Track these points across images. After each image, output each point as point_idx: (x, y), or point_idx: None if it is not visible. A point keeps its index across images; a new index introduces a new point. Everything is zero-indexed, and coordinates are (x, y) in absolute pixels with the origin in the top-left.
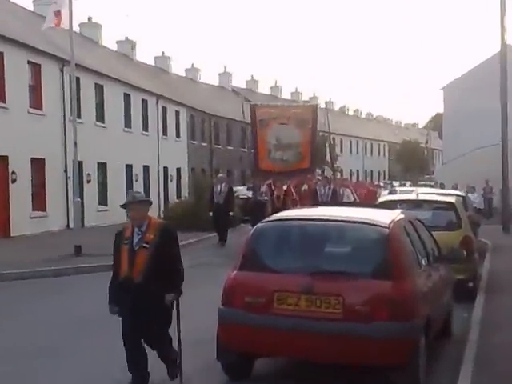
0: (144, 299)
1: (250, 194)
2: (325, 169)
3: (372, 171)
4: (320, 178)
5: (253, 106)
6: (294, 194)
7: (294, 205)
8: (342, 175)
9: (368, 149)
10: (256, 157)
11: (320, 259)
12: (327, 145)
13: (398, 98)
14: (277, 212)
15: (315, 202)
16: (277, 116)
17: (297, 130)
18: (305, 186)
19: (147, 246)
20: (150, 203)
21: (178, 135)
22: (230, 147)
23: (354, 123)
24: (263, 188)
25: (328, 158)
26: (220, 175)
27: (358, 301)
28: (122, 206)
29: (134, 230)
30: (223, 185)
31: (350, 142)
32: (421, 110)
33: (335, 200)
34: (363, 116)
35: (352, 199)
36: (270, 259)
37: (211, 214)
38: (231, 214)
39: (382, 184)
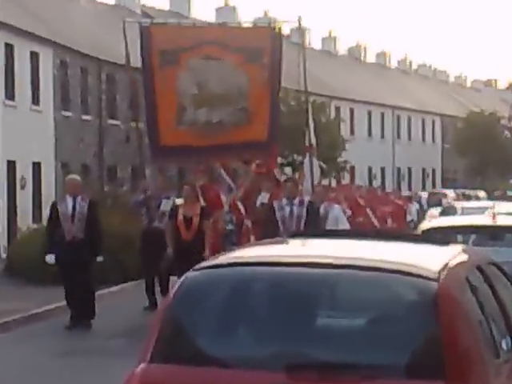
0: None
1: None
2: (306, 160)
3: (410, 170)
4: (282, 178)
5: (146, 28)
6: (242, 208)
7: (243, 235)
8: (351, 179)
9: (403, 127)
10: (152, 125)
11: (306, 340)
12: (309, 111)
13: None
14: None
15: (270, 229)
16: (197, 44)
17: (240, 70)
18: (262, 196)
19: None
20: None
21: (35, 100)
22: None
23: (381, 78)
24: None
25: (309, 138)
26: (70, 177)
27: None
28: None
29: None
30: (78, 198)
31: (369, 114)
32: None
33: (315, 225)
34: (410, 67)
35: (347, 225)
36: (210, 341)
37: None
38: (98, 258)
39: (422, 194)
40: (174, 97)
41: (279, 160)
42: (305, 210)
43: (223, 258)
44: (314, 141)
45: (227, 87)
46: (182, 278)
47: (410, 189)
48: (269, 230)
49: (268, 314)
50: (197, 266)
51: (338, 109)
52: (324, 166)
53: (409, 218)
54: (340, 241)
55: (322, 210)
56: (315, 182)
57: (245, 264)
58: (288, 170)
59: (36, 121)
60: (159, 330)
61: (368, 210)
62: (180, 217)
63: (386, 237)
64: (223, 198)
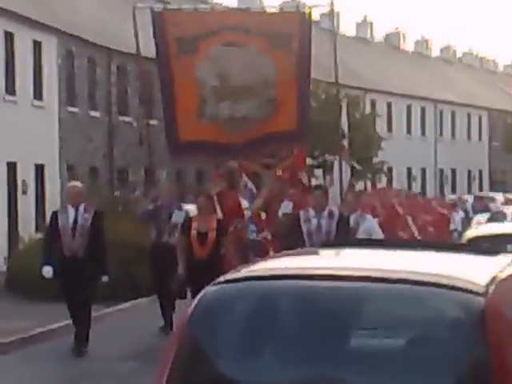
0: None
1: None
2: (335, 163)
3: (454, 171)
4: (308, 182)
5: (158, 14)
6: (263, 217)
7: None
8: (388, 182)
9: (446, 124)
10: (170, 119)
11: (338, 364)
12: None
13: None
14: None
15: (293, 243)
16: (217, 30)
17: (266, 56)
18: (285, 205)
19: None
20: None
21: (37, 95)
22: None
23: (422, 68)
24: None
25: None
26: (72, 184)
27: None
28: None
29: None
30: (81, 208)
31: (409, 109)
32: None
33: (345, 236)
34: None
35: (380, 235)
36: (232, 364)
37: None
38: (104, 278)
39: (467, 199)
40: (194, 88)
41: (308, 161)
42: (335, 223)
43: (246, 271)
44: (345, 141)
45: (252, 77)
46: (201, 293)
47: (453, 192)
48: (292, 243)
49: (296, 334)
50: (216, 280)
51: (373, 103)
52: (358, 167)
53: (452, 227)
54: (376, 251)
55: (352, 222)
56: (344, 189)
57: (270, 277)
58: (318, 172)
59: (39, 118)
60: (175, 351)
61: (408, 218)
62: (193, 231)
63: (428, 247)
64: (244, 203)
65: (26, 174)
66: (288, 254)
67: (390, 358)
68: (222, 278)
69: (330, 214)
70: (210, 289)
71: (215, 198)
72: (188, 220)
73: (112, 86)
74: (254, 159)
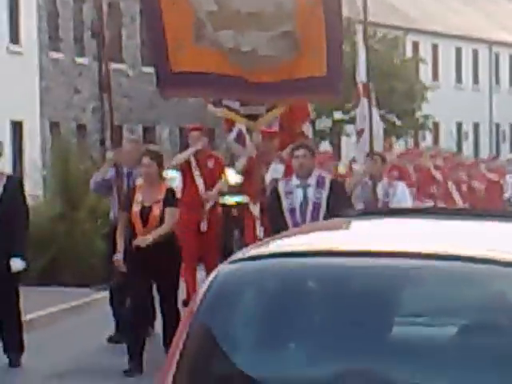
0: None
1: None
2: (358, 109)
3: None
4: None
5: None
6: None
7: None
8: (435, 140)
9: (503, 70)
10: (159, 45)
11: (381, 357)
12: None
13: None
14: None
15: (275, 223)
16: None
17: None
18: (274, 169)
19: None
20: None
21: (14, 38)
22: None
23: (474, 3)
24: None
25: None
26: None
27: None
28: None
29: None
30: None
31: (458, 52)
32: None
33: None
34: None
35: (409, 203)
36: (252, 357)
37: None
38: (16, 265)
39: None
40: (187, 7)
41: (338, 116)
42: (326, 194)
43: (267, 246)
44: (363, 77)
45: (260, 2)
46: (214, 273)
47: None
48: (274, 223)
49: (329, 322)
50: (233, 257)
51: (416, 45)
52: (398, 122)
53: (507, 195)
54: (425, 221)
55: (380, 192)
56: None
57: (297, 254)
58: (351, 128)
59: (16, 66)
60: (183, 344)
61: (450, 184)
62: (136, 206)
63: (486, 216)
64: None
65: (0, 133)
66: (317, 226)
67: (444, 349)
68: (239, 255)
69: (320, 181)
70: (224, 268)
71: (192, 159)
72: (131, 190)
73: (103, 26)
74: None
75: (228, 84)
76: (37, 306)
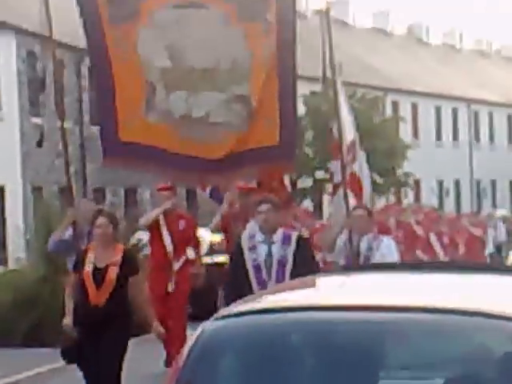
0: None
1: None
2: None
3: (493, 183)
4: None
5: None
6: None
7: None
8: (416, 197)
9: (483, 127)
10: (106, 111)
11: None
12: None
13: None
14: None
15: (235, 282)
16: None
17: (236, 32)
18: (251, 227)
19: None
20: None
21: None
22: None
23: (452, 64)
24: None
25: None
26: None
27: None
28: None
29: None
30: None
31: (438, 110)
32: None
33: (307, 268)
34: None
35: (395, 257)
36: None
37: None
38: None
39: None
40: (138, 70)
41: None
42: (291, 251)
43: (253, 303)
44: (352, 134)
45: (215, 57)
46: (198, 330)
47: (494, 208)
48: (234, 282)
49: (315, 377)
50: (218, 314)
51: (395, 104)
52: (379, 180)
53: (487, 252)
54: (407, 275)
55: (364, 246)
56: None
57: (283, 309)
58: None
59: None
60: None
61: (431, 235)
62: (88, 266)
63: (467, 269)
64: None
65: None
66: (301, 283)
67: None
68: (224, 311)
69: (285, 238)
70: (209, 324)
71: (161, 219)
72: (83, 251)
73: (83, 91)
74: (228, 184)
75: (176, 163)
76: (24, 366)
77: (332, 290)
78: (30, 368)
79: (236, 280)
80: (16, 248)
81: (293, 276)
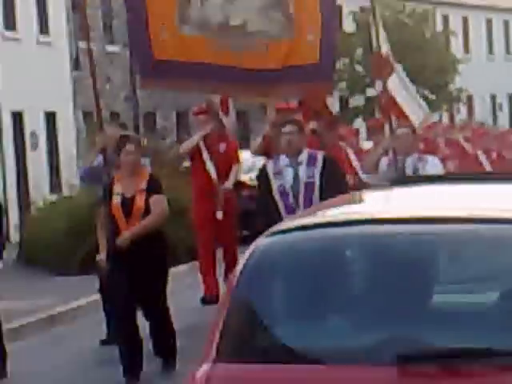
0: None
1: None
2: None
3: None
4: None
5: None
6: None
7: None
8: (469, 112)
9: None
10: (140, 30)
11: (423, 323)
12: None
13: None
14: None
15: (263, 210)
16: None
17: None
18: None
19: None
20: None
21: (43, 28)
22: None
23: None
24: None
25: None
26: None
27: None
28: None
29: None
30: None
31: (489, 23)
32: None
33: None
34: None
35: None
36: (294, 329)
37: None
38: None
39: None
40: None
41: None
42: (318, 172)
43: (308, 218)
44: (385, 47)
45: None
46: (252, 246)
47: None
48: (263, 211)
49: (370, 291)
50: (271, 230)
51: (445, 18)
52: (431, 96)
53: None
54: (460, 187)
55: (409, 167)
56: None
57: (335, 224)
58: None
59: (46, 56)
60: (225, 317)
61: (479, 153)
62: (116, 198)
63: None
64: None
65: (34, 125)
66: (357, 196)
67: (486, 314)
68: (277, 227)
69: (311, 159)
70: (263, 241)
71: (201, 142)
72: (110, 182)
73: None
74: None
75: (214, 75)
76: (81, 293)
77: (385, 202)
78: (87, 295)
79: (264, 208)
80: (70, 175)
81: (322, 199)
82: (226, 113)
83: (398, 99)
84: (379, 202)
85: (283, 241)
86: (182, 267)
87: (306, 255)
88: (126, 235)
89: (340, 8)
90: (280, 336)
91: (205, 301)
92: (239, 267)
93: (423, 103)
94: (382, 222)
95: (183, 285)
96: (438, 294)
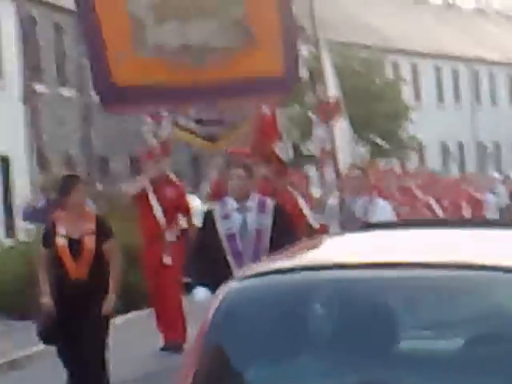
0: None
1: None
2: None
3: (497, 145)
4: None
5: None
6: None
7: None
8: (420, 159)
9: (484, 87)
10: (97, 55)
11: (391, 369)
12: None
13: None
14: None
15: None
16: None
17: None
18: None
19: None
20: None
21: None
22: None
23: (451, 23)
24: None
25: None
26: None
27: None
28: None
29: None
30: None
31: (438, 71)
32: None
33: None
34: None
35: (389, 216)
36: (266, 372)
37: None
38: None
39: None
40: (122, 5)
41: None
42: (269, 218)
43: (277, 262)
44: (334, 91)
45: None
46: (222, 290)
47: (498, 170)
48: (202, 257)
49: (339, 335)
50: (241, 274)
51: (395, 66)
52: (383, 143)
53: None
54: (421, 232)
55: (358, 209)
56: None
57: (309, 268)
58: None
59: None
60: (197, 363)
61: (430, 200)
62: (60, 239)
63: (481, 225)
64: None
65: None
66: (325, 240)
67: (456, 361)
68: (247, 272)
69: (260, 205)
70: (233, 285)
71: (149, 187)
72: (51, 223)
73: (84, 57)
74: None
75: (174, 93)
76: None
77: (350, 248)
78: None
79: (201, 254)
80: None
81: (273, 246)
82: (167, 156)
83: (337, 143)
84: (348, 247)
85: (256, 285)
86: (139, 313)
87: (278, 300)
88: (112, 298)
89: None
90: (253, 380)
91: (167, 347)
92: (211, 311)
93: (362, 149)
94: (348, 267)
95: (140, 331)
96: (404, 340)
